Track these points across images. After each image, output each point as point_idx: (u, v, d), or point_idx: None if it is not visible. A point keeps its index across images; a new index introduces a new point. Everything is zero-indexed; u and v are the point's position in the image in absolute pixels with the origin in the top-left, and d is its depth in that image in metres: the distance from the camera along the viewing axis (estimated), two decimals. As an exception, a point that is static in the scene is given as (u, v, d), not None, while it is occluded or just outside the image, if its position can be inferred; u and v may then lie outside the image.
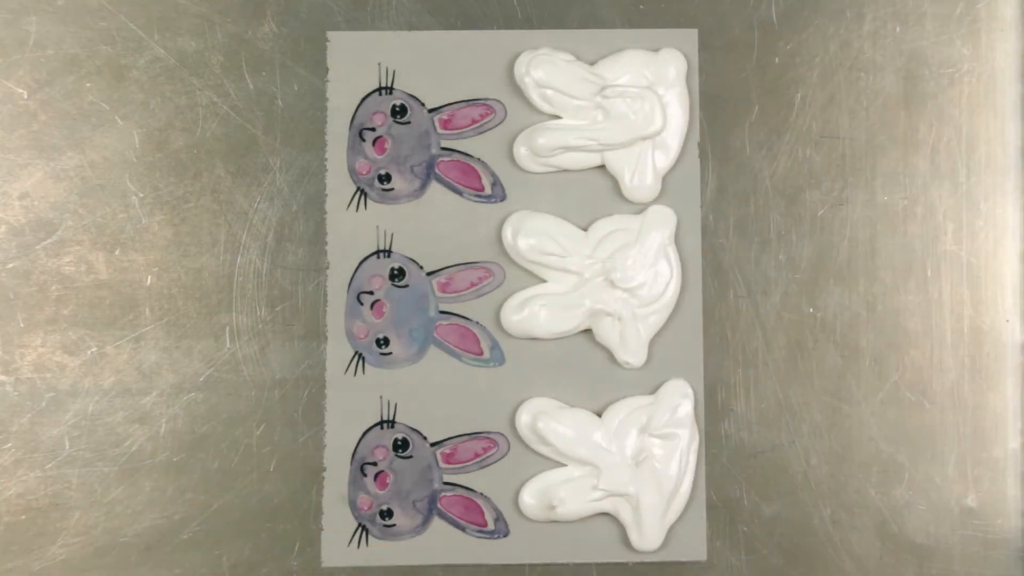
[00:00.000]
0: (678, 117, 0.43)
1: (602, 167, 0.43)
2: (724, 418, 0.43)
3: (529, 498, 0.43)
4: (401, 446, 0.43)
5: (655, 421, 0.42)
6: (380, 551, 0.43)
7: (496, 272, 0.43)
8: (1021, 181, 0.44)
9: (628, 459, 0.42)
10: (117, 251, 0.43)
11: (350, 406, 0.43)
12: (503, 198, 0.44)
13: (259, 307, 0.43)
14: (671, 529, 0.43)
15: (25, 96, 0.43)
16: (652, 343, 0.43)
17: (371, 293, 0.43)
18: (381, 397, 0.43)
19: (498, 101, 0.44)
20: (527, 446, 0.43)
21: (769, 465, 0.43)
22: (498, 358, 0.43)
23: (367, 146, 0.44)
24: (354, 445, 0.43)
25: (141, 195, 0.43)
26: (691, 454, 0.43)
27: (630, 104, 0.43)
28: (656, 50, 0.43)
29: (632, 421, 0.42)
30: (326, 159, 0.44)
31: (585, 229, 0.43)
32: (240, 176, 0.43)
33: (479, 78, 0.44)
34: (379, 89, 0.44)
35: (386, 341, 0.43)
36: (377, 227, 0.44)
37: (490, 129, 0.44)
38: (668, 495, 0.42)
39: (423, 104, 0.44)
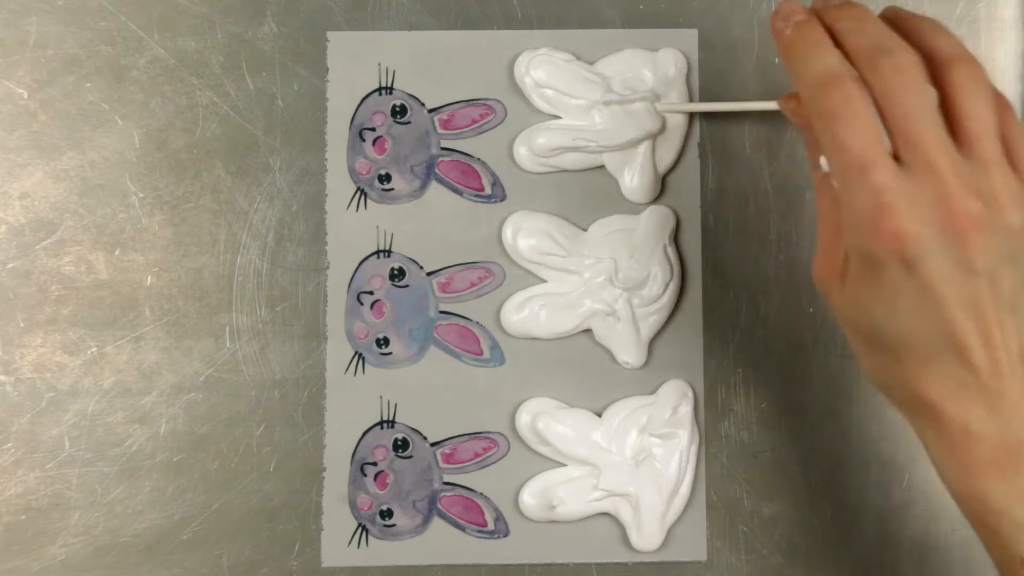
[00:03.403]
0: (678, 117, 0.43)
1: (602, 167, 0.43)
2: (724, 418, 0.43)
3: (529, 498, 0.43)
4: (401, 446, 0.43)
5: (655, 421, 0.42)
6: (380, 551, 0.43)
7: (496, 272, 0.43)
8: (1021, 181, 0.44)
9: (628, 459, 0.42)
10: (117, 251, 0.43)
11: (350, 406, 0.43)
12: (503, 198, 0.44)
13: (259, 307, 0.43)
14: (671, 529, 0.43)
15: (25, 96, 0.43)
16: (652, 343, 0.43)
17: (371, 293, 0.43)
18: (381, 397, 0.43)
19: (498, 101, 0.44)
20: (527, 446, 0.43)
21: (769, 465, 0.43)
22: (498, 358, 0.43)
23: (367, 146, 0.44)
24: (354, 445, 0.43)
25: (141, 195, 0.43)
26: (691, 454, 0.43)
27: (626, 110, 0.43)
28: (656, 50, 0.43)
29: (632, 421, 0.42)
30: (326, 159, 0.43)
31: (585, 229, 0.43)
32: (240, 176, 0.43)
33: (479, 78, 0.44)
34: (379, 89, 0.44)
35: (386, 341, 0.43)
36: (377, 227, 0.44)
37: (490, 129, 0.44)
38: (668, 495, 0.42)
39: (423, 104, 0.44)
